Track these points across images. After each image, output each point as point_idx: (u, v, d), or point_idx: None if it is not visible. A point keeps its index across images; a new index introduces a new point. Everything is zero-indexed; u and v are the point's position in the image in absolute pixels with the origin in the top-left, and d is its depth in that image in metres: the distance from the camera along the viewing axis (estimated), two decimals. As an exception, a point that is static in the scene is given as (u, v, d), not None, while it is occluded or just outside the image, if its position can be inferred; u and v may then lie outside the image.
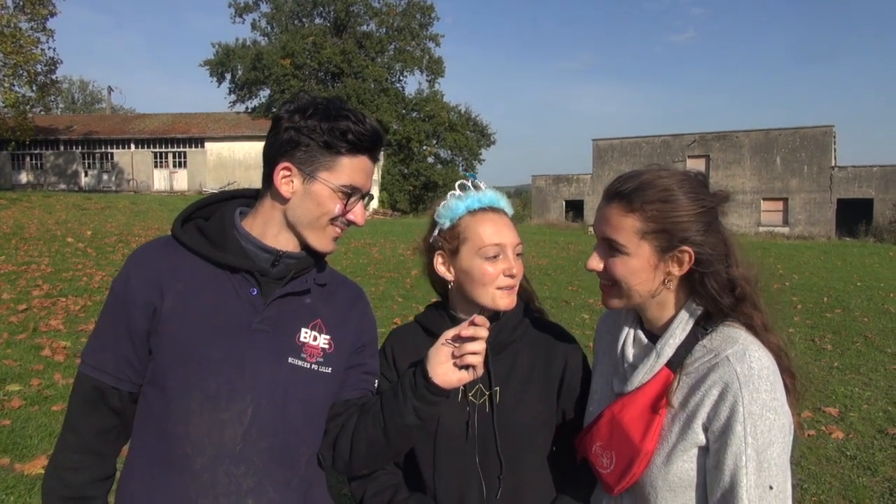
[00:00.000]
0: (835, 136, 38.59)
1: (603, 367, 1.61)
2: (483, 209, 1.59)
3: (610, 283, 1.45)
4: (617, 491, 1.44)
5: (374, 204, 44.05)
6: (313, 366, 1.41)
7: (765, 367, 1.31)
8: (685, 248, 1.37)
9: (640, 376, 1.43)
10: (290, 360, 1.38)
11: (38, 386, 5.55)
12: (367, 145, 1.39)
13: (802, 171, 38.62)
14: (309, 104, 1.36)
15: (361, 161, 1.40)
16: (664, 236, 1.37)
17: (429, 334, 1.65)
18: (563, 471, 1.64)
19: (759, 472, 1.26)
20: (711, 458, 1.32)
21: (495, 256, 1.55)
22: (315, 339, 1.43)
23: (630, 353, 1.50)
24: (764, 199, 39.75)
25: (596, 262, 1.45)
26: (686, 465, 1.35)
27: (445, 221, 1.61)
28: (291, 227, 1.41)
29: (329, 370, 1.43)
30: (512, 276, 1.56)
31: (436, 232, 1.63)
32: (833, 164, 38.23)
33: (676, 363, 1.39)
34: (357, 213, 1.43)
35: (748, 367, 1.30)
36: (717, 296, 1.38)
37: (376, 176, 45.59)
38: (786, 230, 38.09)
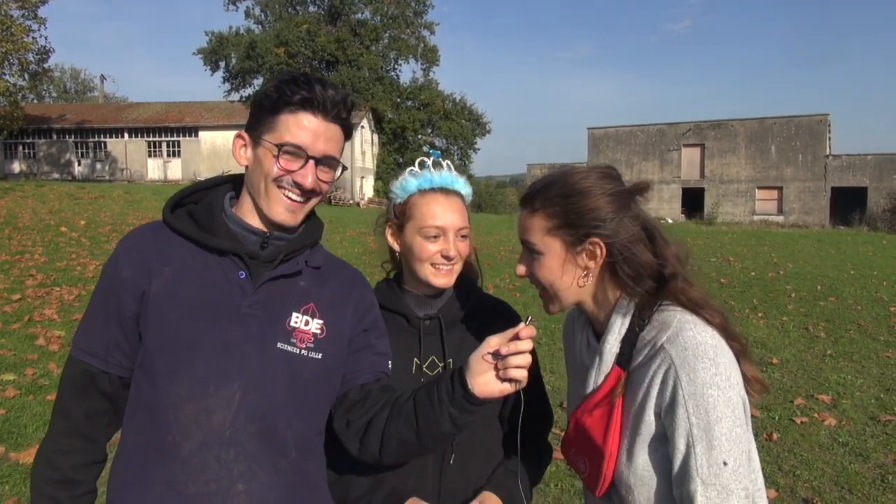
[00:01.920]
0: (829, 125, 38.64)
1: (570, 372, 1.64)
2: (433, 190, 1.63)
3: (541, 288, 1.47)
4: (598, 493, 1.43)
5: (369, 193, 43.96)
6: (303, 351, 1.39)
7: (700, 344, 1.29)
8: (594, 239, 1.39)
9: (593, 378, 1.44)
10: (279, 345, 1.37)
11: (33, 375, 5.55)
12: (303, 99, 1.33)
13: (797, 159, 38.70)
14: (275, 78, 1.38)
15: (304, 117, 1.35)
16: (569, 230, 1.40)
17: (382, 309, 1.68)
18: (512, 440, 1.68)
19: (709, 451, 1.25)
20: (669, 444, 1.32)
21: (435, 237, 1.60)
22: (307, 323, 1.41)
23: (585, 356, 1.52)
24: (759, 187, 39.83)
25: (521, 269, 1.49)
26: (647, 458, 1.35)
27: (397, 197, 1.67)
28: (251, 199, 1.41)
29: (319, 356, 1.41)
30: (449, 258, 1.60)
31: (391, 205, 1.70)
32: (827, 152, 38.32)
33: (625, 360, 1.39)
34: (302, 174, 1.35)
35: (682, 349, 1.29)
36: (641, 279, 1.39)
37: (371, 165, 45.50)
38: (780, 219, 38.20)
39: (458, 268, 1.65)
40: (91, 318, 1.40)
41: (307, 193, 1.39)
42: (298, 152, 1.35)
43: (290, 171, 1.35)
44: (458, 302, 1.70)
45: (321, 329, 1.43)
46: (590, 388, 1.45)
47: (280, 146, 1.33)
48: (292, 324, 1.40)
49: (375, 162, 46.58)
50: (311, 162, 1.36)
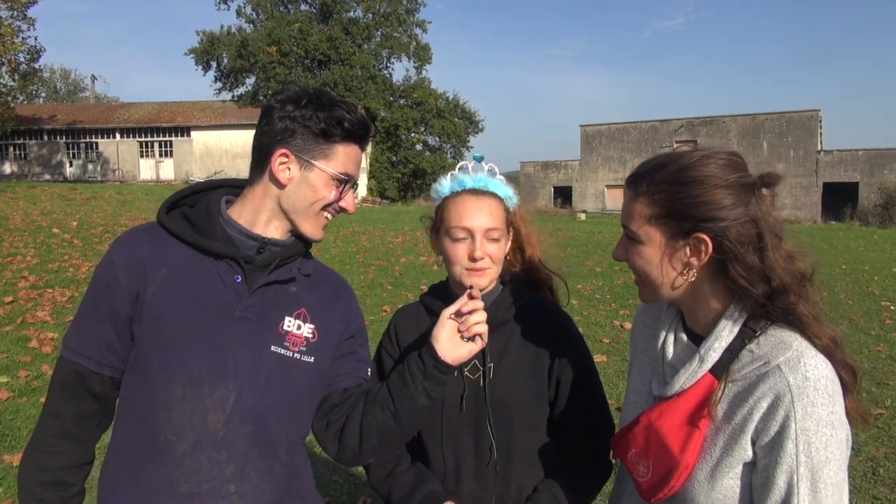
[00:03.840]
0: (821, 121, 38.79)
1: (640, 365, 1.52)
2: (464, 192, 1.64)
3: (637, 276, 1.37)
4: (653, 501, 1.35)
5: (363, 192, 43.95)
6: (296, 354, 1.42)
7: (822, 377, 1.19)
8: (700, 234, 1.25)
9: (681, 381, 1.31)
10: (272, 348, 1.39)
11: (26, 378, 5.53)
12: (360, 133, 1.43)
13: (789, 155, 38.81)
14: (301, 94, 1.39)
15: (354, 149, 1.44)
16: (673, 221, 1.27)
17: (430, 313, 1.74)
18: (559, 449, 1.69)
19: (813, 494, 1.16)
20: (759, 474, 1.22)
21: (462, 238, 1.61)
22: (299, 328, 1.44)
23: (670, 353, 1.39)
24: (751, 183, 39.90)
25: (619, 252, 1.38)
26: (731, 483, 1.25)
27: (434, 201, 1.71)
28: (285, 213, 1.43)
29: (312, 359, 1.44)
30: (474, 260, 1.60)
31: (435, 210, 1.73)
32: (819, 148, 38.45)
33: (721, 369, 1.27)
34: (349, 201, 1.47)
35: (802, 378, 1.18)
36: (748, 286, 1.24)
37: (364, 164, 45.45)
38: (772, 214, 38.27)
39: (491, 270, 1.63)
40: (83, 318, 1.40)
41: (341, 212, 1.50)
42: (352, 182, 1.46)
43: (341, 199, 1.45)
44: (504, 305, 1.68)
45: (313, 333, 1.46)
46: (674, 391, 1.33)
47: (345, 179, 1.43)
48: (285, 328, 1.42)
49: (368, 161, 46.50)
50: (353, 188, 1.48)
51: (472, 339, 1.43)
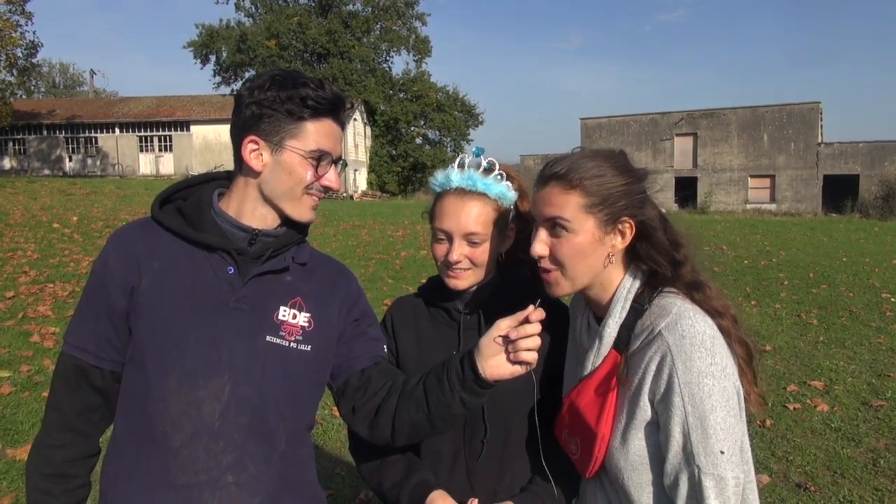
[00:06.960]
0: (821, 113, 38.73)
1: (570, 353, 1.63)
2: (449, 191, 1.60)
3: (554, 268, 1.44)
4: (588, 475, 1.46)
5: (363, 185, 43.93)
6: (292, 344, 1.42)
7: (698, 333, 1.31)
8: (625, 218, 1.40)
9: (591, 361, 1.45)
10: (267, 338, 1.39)
11: (28, 372, 5.55)
12: (328, 108, 1.40)
13: (789, 147, 38.78)
14: (266, 78, 1.39)
15: (326, 124, 1.41)
16: (607, 209, 1.39)
17: (428, 305, 1.72)
18: (552, 441, 1.66)
19: (706, 440, 1.27)
20: (662, 432, 1.33)
21: (442, 239, 1.60)
22: (294, 317, 1.44)
23: (584, 338, 1.52)
24: (751, 176, 39.91)
25: (542, 248, 1.43)
26: (641, 443, 1.37)
27: (433, 195, 1.67)
28: (268, 200, 1.43)
29: (308, 348, 1.44)
30: (449, 263, 1.58)
31: None
32: (819, 140, 38.41)
33: (622, 344, 1.40)
34: (331, 178, 1.44)
35: (679, 337, 1.31)
36: (663, 258, 1.41)
37: (364, 158, 45.42)
38: (773, 207, 38.32)
39: (472, 273, 1.61)
40: (82, 313, 1.42)
41: (329, 192, 1.47)
42: (330, 158, 1.42)
43: (321, 177, 1.42)
44: (501, 297, 1.65)
45: (309, 322, 1.45)
46: (587, 371, 1.45)
47: (317, 156, 1.40)
48: (280, 317, 1.42)
49: (368, 155, 46.47)
50: (334, 165, 1.44)
51: (518, 362, 1.34)
